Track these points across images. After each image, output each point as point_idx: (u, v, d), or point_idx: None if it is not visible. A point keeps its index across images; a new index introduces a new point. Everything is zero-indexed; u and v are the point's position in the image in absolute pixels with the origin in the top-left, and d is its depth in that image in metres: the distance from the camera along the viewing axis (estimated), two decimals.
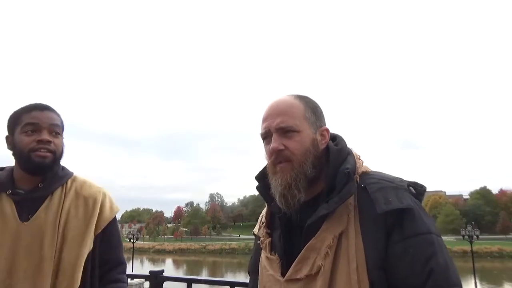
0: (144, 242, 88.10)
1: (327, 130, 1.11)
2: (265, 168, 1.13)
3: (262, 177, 1.14)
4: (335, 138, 1.13)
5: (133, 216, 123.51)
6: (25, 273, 1.25)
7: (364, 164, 1.10)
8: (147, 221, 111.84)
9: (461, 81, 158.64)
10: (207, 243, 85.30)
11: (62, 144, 1.41)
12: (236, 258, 70.06)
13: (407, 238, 0.92)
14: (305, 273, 0.97)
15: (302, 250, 1.00)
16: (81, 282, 1.32)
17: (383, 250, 0.93)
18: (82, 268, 1.33)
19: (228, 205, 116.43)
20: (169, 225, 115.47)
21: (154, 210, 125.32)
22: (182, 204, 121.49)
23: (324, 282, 0.94)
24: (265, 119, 1.08)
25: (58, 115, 1.42)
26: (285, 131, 1.04)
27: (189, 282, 2.34)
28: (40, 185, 1.36)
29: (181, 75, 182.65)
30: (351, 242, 0.95)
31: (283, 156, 1.04)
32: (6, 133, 1.40)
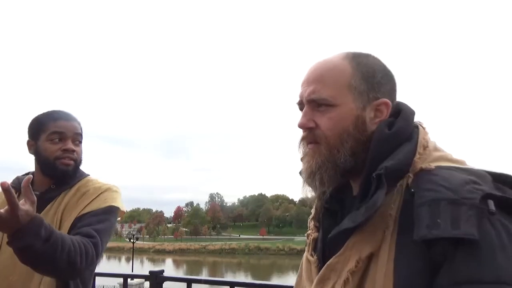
0: (144, 242, 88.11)
1: (387, 103, 0.80)
2: None
3: None
4: (399, 112, 0.81)
5: (133, 216, 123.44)
6: (26, 268, 1.28)
7: (435, 154, 0.77)
8: (147, 221, 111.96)
9: (460, 81, 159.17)
10: (207, 243, 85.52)
11: (82, 151, 1.51)
12: (236, 258, 70.22)
13: (459, 285, 0.62)
14: None
15: (323, 268, 0.79)
16: None
17: (421, 285, 0.65)
18: None
19: (228, 205, 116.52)
20: (169, 225, 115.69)
21: (154, 210, 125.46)
22: (182, 204, 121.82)
23: None
24: (301, 85, 0.85)
25: (79, 123, 1.51)
26: (318, 104, 0.80)
27: (189, 282, 2.34)
28: (52, 186, 1.46)
29: (181, 75, 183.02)
30: (381, 269, 0.70)
31: (312, 136, 0.81)
32: (28, 138, 1.47)
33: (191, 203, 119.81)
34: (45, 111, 1.51)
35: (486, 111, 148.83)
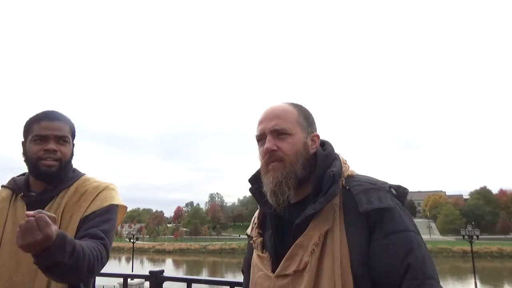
0: (144, 242, 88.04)
1: (318, 136, 1.21)
2: (258, 171, 1.23)
3: (255, 180, 1.24)
4: (324, 144, 1.23)
5: (133, 216, 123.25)
6: (28, 269, 1.32)
7: (350, 168, 1.19)
8: (147, 221, 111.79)
9: (461, 81, 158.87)
10: (207, 243, 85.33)
11: (71, 150, 1.51)
12: (236, 258, 69.99)
13: (387, 235, 1.00)
14: (293, 269, 1.05)
15: (291, 248, 1.08)
16: None
17: (365, 247, 1.01)
18: None
19: (228, 205, 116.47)
20: (169, 225, 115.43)
21: (154, 210, 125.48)
22: (182, 204, 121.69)
23: (310, 277, 1.02)
24: (260, 122, 1.18)
25: (66, 122, 1.50)
26: (279, 133, 1.14)
27: (189, 282, 2.34)
28: (49, 187, 1.47)
29: (181, 75, 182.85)
30: (336, 239, 1.03)
31: (275, 156, 1.13)
32: (22, 139, 1.50)
33: (191, 203, 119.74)
34: (38, 111, 1.51)
35: (486, 111, 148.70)
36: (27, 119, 1.49)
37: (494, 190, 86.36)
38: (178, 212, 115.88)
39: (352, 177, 1.14)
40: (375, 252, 1.00)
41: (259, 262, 1.18)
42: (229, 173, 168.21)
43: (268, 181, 1.14)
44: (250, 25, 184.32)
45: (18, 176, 1.58)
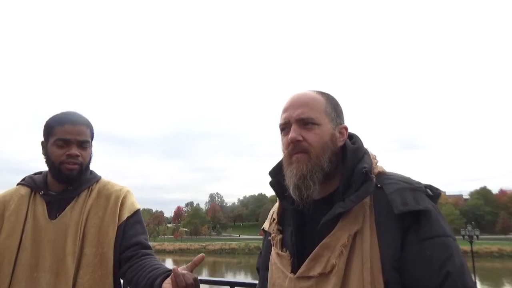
0: None
1: (346, 128, 1.13)
2: (279, 163, 1.15)
3: (275, 172, 1.15)
4: (352, 137, 1.14)
5: None
6: (50, 267, 1.37)
7: (379, 165, 1.09)
8: (147, 221, 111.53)
9: (461, 81, 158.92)
10: (207, 243, 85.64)
11: (90, 154, 1.57)
12: (236, 258, 70.15)
13: (424, 240, 0.92)
14: (318, 271, 0.98)
15: (316, 248, 1.00)
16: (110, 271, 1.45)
17: (398, 251, 0.93)
18: (109, 260, 1.43)
19: (228, 205, 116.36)
20: (169, 225, 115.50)
21: (154, 210, 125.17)
22: (182, 204, 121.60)
23: (337, 281, 0.94)
24: (285, 110, 1.09)
25: (88, 126, 1.55)
26: (305, 123, 1.05)
27: None
28: (69, 187, 1.52)
29: (181, 75, 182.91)
30: (366, 241, 0.96)
31: (300, 147, 1.05)
32: (42, 139, 1.54)
33: (191, 203, 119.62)
34: (58, 112, 1.55)
35: (486, 111, 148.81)
36: (47, 120, 1.52)
37: (494, 190, 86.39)
38: (178, 212, 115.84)
39: (383, 175, 1.06)
40: (410, 258, 0.92)
41: (278, 262, 1.10)
42: (229, 173, 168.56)
43: (291, 173, 1.05)
44: (248, 25, 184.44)
45: (34, 175, 1.62)
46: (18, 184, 1.58)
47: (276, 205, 1.23)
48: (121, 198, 1.55)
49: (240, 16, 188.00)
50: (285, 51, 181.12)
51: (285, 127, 1.09)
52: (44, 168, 1.56)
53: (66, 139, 1.47)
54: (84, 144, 1.52)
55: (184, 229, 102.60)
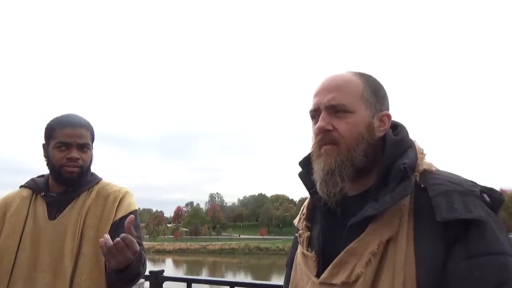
0: (144, 242, 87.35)
1: (389, 116, 0.96)
2: (310, 154, 1.00)
3: (306, 164, 1.01)
4: (396, 126, 0.98)
5: None
6: (48, 266, 1.40)
7: (427, 161, 0.92)
8: (147, 221, 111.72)
9: (461, 81, 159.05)
10: (207, 243, 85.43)
11: (91, 156, 1.58)
12: (236, 258, 70.14)
13: (473, 257, 0.74)
14: (341, 280, 0.84)
15: (341, 253, 0.87)
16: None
17: (439, 266, 0.77)
18: (104, 259, 1.42)
19: (228, 205, 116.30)
20: (169, 225, 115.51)
21: (154, 210, 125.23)
22: (182, 204, 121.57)
23: None
24: (316, 94, 0.95)
25: (88, 128, 1.56)
26: (336, 110, 0.91)
27: (189, 282, 2.34)
28: (70, 189, 1.55)
29: (182, 75, 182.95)
30: (400, 251, 0.80)
31: (330, 137, 0.91)
32: (43, 141, 1.56)
33: (191, 203, 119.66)
34: (59, 115, 1.58)
35: (486, 111, 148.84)
36: (48, 122, 1.55)
37: None
38: (178, 212, 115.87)
39: (430, 173, 0.88)
40: (453, 276, 0.75)
41: (303, 262, 0.98)
42: (229, 173, 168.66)
43: (319, 167, 0.92)
44: (248, 24, 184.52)
45: (37, 177, 1.65)
46: (21, 187, 1.62)
47: (308, 199, 1.10)
48: (119, 198, 1.57)
49: (240, 16, 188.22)
50: (285, 50, 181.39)
51: (315, 114, 0.95)
52: (45, 168, 1.58)
53: (67, 142, 1.49)
54: (85, 147, 1.53)
55: (184, 229, 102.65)
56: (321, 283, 0.88)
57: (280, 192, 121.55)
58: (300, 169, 1.05)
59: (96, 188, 1.59)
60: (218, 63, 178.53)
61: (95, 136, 1.61)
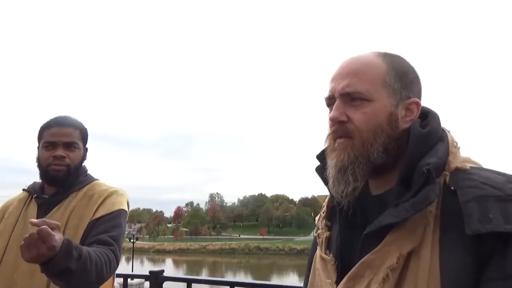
0: (144, 242, 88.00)
1: (417, 103, 0.81)
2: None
3: (323, 157, 0.88)
4: (426, 115, 0.82)
5: (133, 216, 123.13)
6: (27, 268, 1.35)
7: (462, 155, 0.79)
8: (147, 221, 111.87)
9: (459, 80, 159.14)
10: (207, 243, 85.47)
11: (80, 155, 1.57)
12: (236, 258, 70.22)
13: (511, 278, 0.63)
14: None
15: (356, 265, 0.75)
16: None
17: (468, 285, 0.65)
18: None
19: (228, 205, 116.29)
20: (169, 225, 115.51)
21: (154, 210, 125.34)
22: (182, 204, 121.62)
23: None
24: (332, 80, 0.83)
25: (77, 128, 1.56)
26: (352, 98, 0.79)
27: (189, 282, 2.35)
28: (60, 190, 1.54)
29: (182, 75, 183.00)
30: (424, 266, 0.68)
31: (344, 130, 0.79)
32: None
33: (191, 203, 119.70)
34: (51, 116, 1.58)
35: (485, 111, 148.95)
36: (42, 124, 1.55)
37: None
38: (178, 212, 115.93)
39: (464, 172, 0.73)
40: None
41: (321, 266, 0.87)
42: (229, 173, 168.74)
43: (331, 163, 0.81)
44: (248, 24, 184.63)
45: (39, 182, 1.65)
46: (23, 190, 1.64)
47: (329, 195, 0.95)
48: (103, 197, 1.52)
49: (240, 17, 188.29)
50: (285, 50, 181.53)
51: (330, 102, 0.83)
52: None
53: (52, 141, 1.49)
54: (71, 145, 1.52)
55: (184, 229, 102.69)
56: None
57: (280, 192, 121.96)
58: (317, 163, 0.92)
59: (85, 188, 1.56)
60: (218, 63, 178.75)
61: (87, 137, 1.60)
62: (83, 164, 1.61)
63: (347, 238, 0.83)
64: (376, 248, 0.73)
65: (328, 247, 0.88)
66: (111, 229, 1.43)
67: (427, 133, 0.77)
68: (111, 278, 1.55)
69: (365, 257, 0.74)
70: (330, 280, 0.81)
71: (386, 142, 0.77)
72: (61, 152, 1.49)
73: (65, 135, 1.51)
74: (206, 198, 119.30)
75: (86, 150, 1.62)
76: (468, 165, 0.75)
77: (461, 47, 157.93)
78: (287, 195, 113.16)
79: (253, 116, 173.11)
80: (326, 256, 0.86)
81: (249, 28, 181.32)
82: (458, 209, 0.67)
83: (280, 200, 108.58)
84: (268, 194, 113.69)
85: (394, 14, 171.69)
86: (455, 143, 0.80)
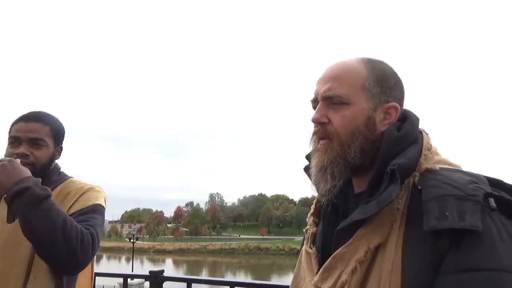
0: (144, 242, 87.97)
1: (396, 107, 0.85)
2: None
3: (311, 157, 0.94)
4: (405, 118, 0.87)
5: (133, 216, 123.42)
6: (1, 271, 1.29)
7: (436, 157, 0.83)
8: (147, 221, 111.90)
9: (459, 80, 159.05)
10: (207, 243, 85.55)
11: (49, 154, 1.43)
12: (236, 258, 70.24)
13: (463, 272, 0.66)
14: (328, 286, 0.80)
15: (330, 258, 0.82)
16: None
17: (427, 278, 0.69)
18: None
19: (228, 205, 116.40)
20: (169, 225, 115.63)
21: (154, 210, 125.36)
22: (182, 204, 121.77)
23: None
24: (316, 83, 0.88)
25: (47, 123, 1.43)
26: (333, 102, 0.84)
27: (189, 282, 2.35)
28: None
29: (181, 75, 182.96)
30: (388, 260, 0.73)
31: (324, 131, 0.85)
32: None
33: (191, 203, 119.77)
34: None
35: (485, 111, 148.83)
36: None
37: None
38: (178, 212, 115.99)
39: (432, 173, 0.77)
40: None
41: (305, 260, 0.93)
42: (229, 173, 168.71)
43: (313, 163, 0.87)
44: (248, 24, 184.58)
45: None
46: None
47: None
48: (79, 194, 1.43)
49: (239, 17, 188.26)
50: (286, 49, 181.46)
51: (315, 105, 0.88)
52: None
53: (16, 136, 1.38)
54: (37, 142, 1.39)
55: (184, 229, 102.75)
56: (315, 286, 0.84)
57: (280, 192, 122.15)
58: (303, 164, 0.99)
59: (60, 187, 1.46)
60: (218, 63, 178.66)
61: (63, 135, 1.51)
62: (54, 163, 1.50)
63: (329, 233, 0.87)
64: (347, 243, 0.78)
65: (313, 241, 0.94)
66: (87, 220, 1.35)
67: (400, 136, 0.81)
68: (88, 277, 1.51)
69: (338, 251, 0.80)
70: (311, 272, 0.87)
71: (364, 144, 0.82)
72: (24, 149, 1.36)
73: (31, 131, 1.38)
74: (206, 198, 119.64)
75: (60, 149, 1.51)
76: (438, 166, 0.78)
77: (458, 48, 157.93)
78: (287, 195, 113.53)
79: (253, 116, 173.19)
80: (310, 250, 0.92)
81: (249, 28, 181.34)
82: (422, 207, 0.71)
83: (280, 200, 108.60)
84: (268, 194, 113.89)
85: (390, 16, 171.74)
86: (429, 146, 0.84)
